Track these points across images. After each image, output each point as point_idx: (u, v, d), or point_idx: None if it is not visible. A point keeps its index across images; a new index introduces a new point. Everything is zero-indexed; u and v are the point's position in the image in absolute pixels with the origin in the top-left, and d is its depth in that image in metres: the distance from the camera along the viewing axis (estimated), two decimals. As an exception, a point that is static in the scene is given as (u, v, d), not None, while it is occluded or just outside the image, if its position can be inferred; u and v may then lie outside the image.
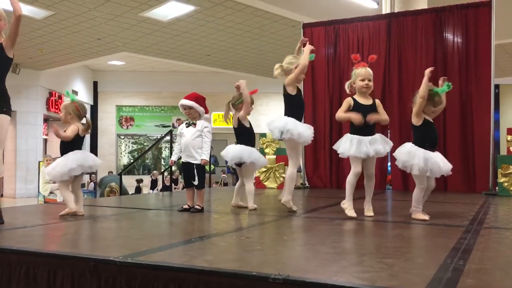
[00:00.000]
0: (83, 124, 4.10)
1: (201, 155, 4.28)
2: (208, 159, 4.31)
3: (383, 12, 9.37)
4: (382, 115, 3.98)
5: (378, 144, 3.90)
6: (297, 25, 9.98)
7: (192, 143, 4.29)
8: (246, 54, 14.84)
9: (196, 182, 4.32)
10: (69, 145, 3.98)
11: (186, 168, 4.37)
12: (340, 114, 3.94)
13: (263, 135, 7.88)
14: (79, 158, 3.93)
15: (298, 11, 10.72)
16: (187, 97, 4.36)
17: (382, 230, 3.51)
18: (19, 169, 15.91)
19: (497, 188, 6.26)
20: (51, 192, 10.43)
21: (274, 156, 7.66)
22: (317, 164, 7.63)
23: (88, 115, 4.06)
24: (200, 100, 4.37)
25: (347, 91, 4.11)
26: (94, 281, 2.27)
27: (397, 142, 4.43)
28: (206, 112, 4.44)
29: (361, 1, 10.78)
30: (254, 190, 4.59)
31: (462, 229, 3.27)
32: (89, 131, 4.15)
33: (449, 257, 2.35)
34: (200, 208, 4.32)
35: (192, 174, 4.31)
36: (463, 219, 3.82)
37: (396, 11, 8.84)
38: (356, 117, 3.83)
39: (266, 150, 7.66)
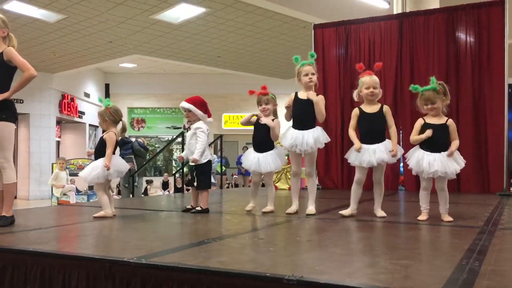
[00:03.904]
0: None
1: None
2: (197, 158, 4.25)
3: (395, 12, 9.34)
4: (390, 124, 3.97)
5: (383, 153, 3.88)
6: (307, 26, 9.98)
7: (189, 145, 4.41)
8: (256, 56, 14.85)
9: (195, 183, 4.38)
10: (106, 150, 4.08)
11: (189, 170, 4.52)
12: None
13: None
14: (115, 163, 4.07)
15: (308, 12, 10.71)
16: (187, 100, 4.45)
17: (396, 231, 3.49)
18: (32, 171, 16.07)
19: (511, 189, 6.20)
20: (64, 194, 10.52)
21: (286, 157, 7.65)
22: (328, 166, 7.62)
23: (124, 117, 4.16)
24: (199, 103, 4.43)
25: (355, 99, 4.13)
26: (109, 282, 2.28)
27: (410, 143, 4.40)
28: (209, 116, 4.48)
29: (372, 1, 10.74)
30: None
31: (477, 230, 3.24)
32: (125, 133, 4.25)
33: (464, 258, 2.33)
34: (202, 209, 4.35)
35: (192, 176, 4.40)
36: (477, 220, 3.78)
37: (407, 10, 8.80)
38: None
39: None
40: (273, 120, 4.38)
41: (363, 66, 4.09)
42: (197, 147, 4.30)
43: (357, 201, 4.08)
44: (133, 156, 9.73)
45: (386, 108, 3.99)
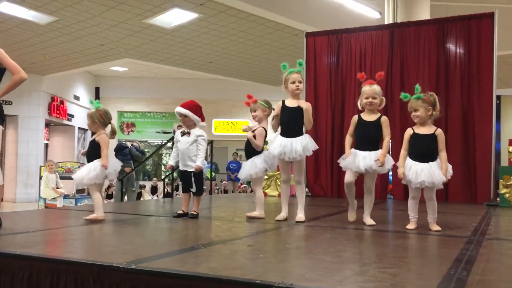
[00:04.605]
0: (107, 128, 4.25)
1: (195, 162, 4.32)
2: (201, 165, 4.31)
3: (386, 22, 9.42)
4: (385, 135, 4.00)
5: (372, 160, 3.91)
6: (299, 34, 10.04)
7: (187, 151, 4.35)
8: (248, 62, 14.89)
9: (193, 189, 4.38)
10: (100, 152, 4.07)
11: (184, 176, 4.45)
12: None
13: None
14: (112, 164, 4.12)
15: (301, 20, 10.77)
16: (183, 105, 4.41)
17: (385, 240, 3.51)
18: (19, 174, 15.91)
19: (498, 199, 6.26)
20: (53, 198, 10.42)
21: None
22: (318, 173, 7.64)
23: (114, 120, 4.19)
24: (195, 108, 4.40)
25: (359, 108, 4.16)
26: (97, 287, 2.27)
27: (399, 153, 4.43)
28: (202, 120, 4.49)
29: (364, 11, 10.84)
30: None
31: (465, 240, 3.27)
32: (115, 136, 4.26)
33: (452, 268, 2.35)
34: (196, 214, 4.39)
35: (190, 182, 4.37)
36: (465, 230, 3.82)
37: (398, 21, 8.89)
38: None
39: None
40: (254, 130, 4.44)
41: (364, 75, 4.14)
42: (199, 154, 4.31)
43: (353, 200, 4.17)
44: (131, 162, 9.79)
45: (383, 119, 4.03)
